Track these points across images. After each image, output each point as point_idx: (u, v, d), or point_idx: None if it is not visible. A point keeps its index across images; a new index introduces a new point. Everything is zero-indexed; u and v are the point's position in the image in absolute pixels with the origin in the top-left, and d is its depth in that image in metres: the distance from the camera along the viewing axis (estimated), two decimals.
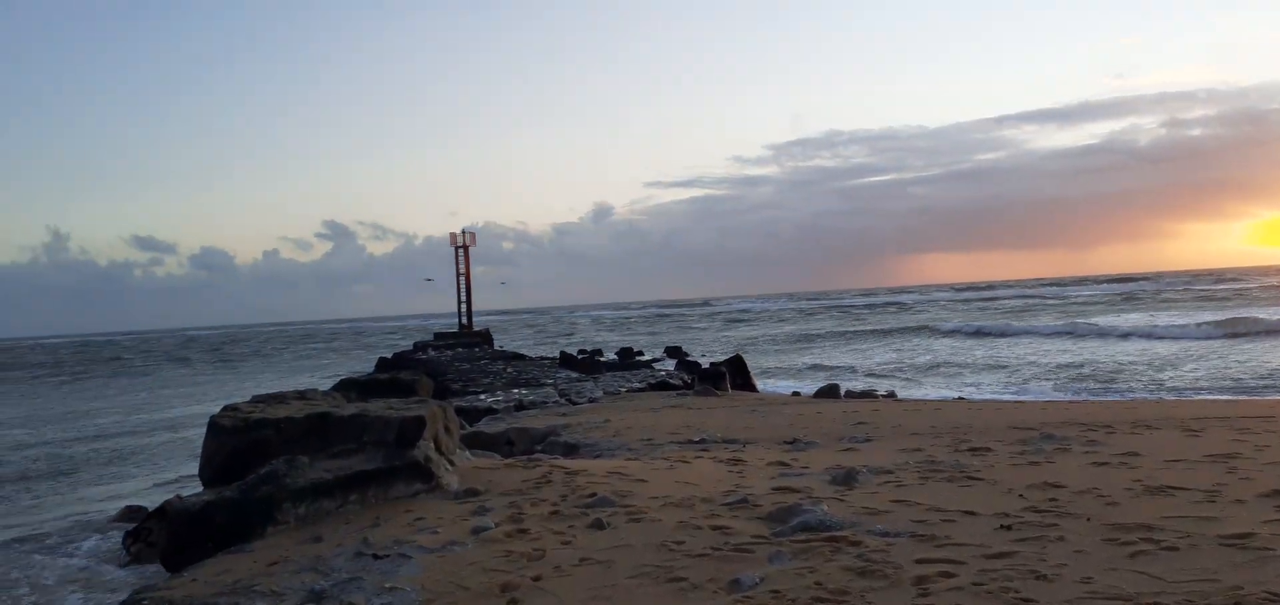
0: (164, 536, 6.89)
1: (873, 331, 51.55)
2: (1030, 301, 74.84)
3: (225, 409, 8.82)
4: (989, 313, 63.09)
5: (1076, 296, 77.18)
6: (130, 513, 11.83)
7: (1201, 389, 20.65)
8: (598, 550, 5.10)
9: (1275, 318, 34.94)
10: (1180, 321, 38.07)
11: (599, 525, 5.66)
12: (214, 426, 8.27)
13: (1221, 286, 76.34)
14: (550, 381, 21.55)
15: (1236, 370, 23.23)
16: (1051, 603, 3.70)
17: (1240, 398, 17.17)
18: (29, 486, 15.89)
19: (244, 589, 4.96)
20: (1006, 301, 78.15)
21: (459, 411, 15.99)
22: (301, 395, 10.16)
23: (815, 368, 33.51)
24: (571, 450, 11.31)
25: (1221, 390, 19.82)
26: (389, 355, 41.05)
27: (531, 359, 31.93)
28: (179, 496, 8.75)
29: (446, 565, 5.08)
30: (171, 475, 16.19)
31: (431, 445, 7.47)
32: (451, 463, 7.73)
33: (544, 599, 4.35)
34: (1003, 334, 40.57)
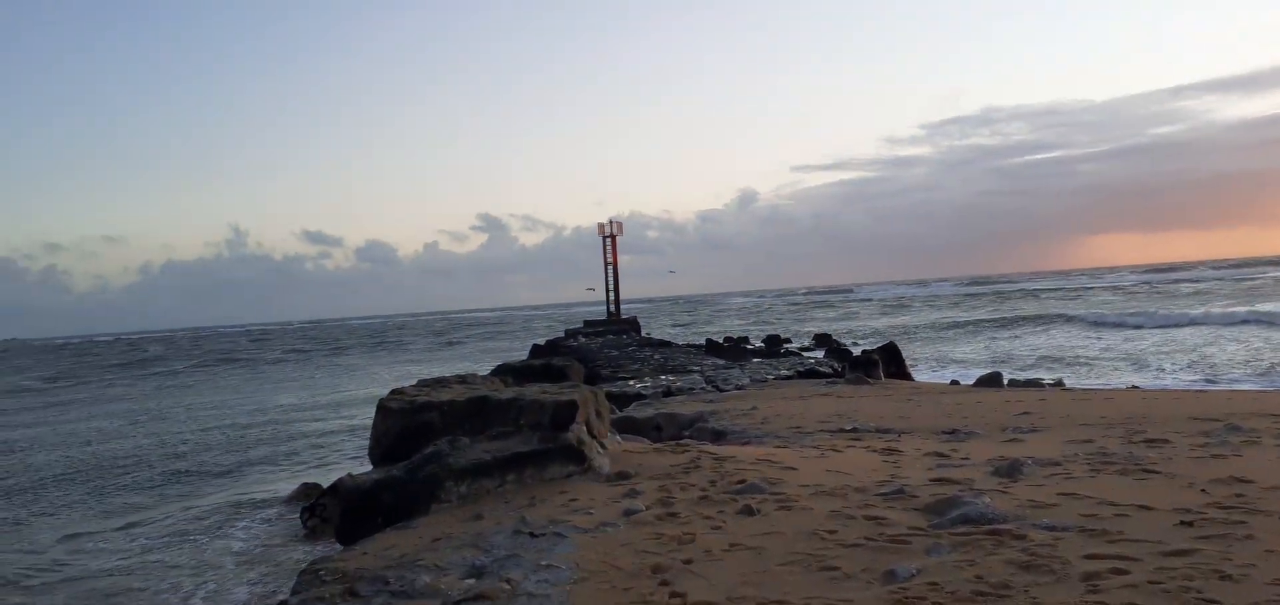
0: (337, 512, 7.34)
1: (1035, 317, 49.06)
2: (1212, 283, 69.45)
3: (392, 393, 9.29)
4: (1164, 296, 58.92)
5: (1261, 278, 71.05)
6: (306, 490, 12.66)
7: None
8: (748, 536, 5.09)
9: None
10: None
11: (749, 511, 5.64)
12: (382, 409, 8.73)
13: None
14: (697, 368, 21.62)
15: None
16: (1238, 603, 3.44)
17: None
18: (217, 465, 17.25)
19: (410, 563, 5.22)
20: (1186, 284, 72.78)
21: (608, 397, 16.29)
22: (462, 380, 10.58)
23: (975, 356, 32.24)
24: (719, 436, 11.32)
25: None
26: (541, 342, 42.22)
27: (678, 346, 32.13)
28: (350, 475, 9.29)
29: (599, 545, 5.19)
30: (343, 455, 17.23)
31: (584, 429, 7.64)
32: (603, 446, 7.89)
33: (695, 582, 4.39)
34: (1175, 324, 37.79)
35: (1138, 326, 36.91)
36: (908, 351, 26.50)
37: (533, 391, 8.39)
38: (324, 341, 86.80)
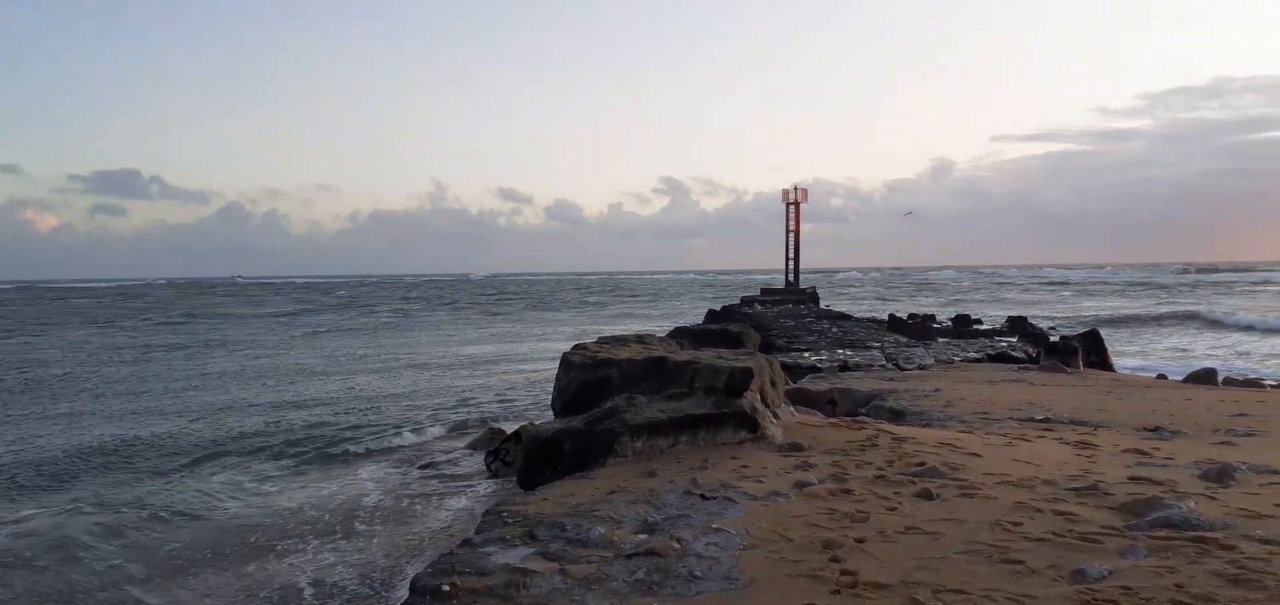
0: (520, 458, 7.70)
1: (1267, 308, 44.57)
2: None
3: (575, 347, 9.61)
4: None
5: None
6: (492, 435, 13.32)
7: None
8: (925, 520, 4.95)
9: None
10: None
11: (927, 495, 5.49)
12: (566, 362, 9.05)
13: None
14: (877, 344, 21.09)
15: None
16: None
17: None
18: (414, 404, 18.43)
19: (586, 512, 5.42)
20: None
21: (784, 368, 16.19)
22: (640, 339, 10.81)
23: (1187, 349, 29.74)
24: (897, 416, 11.02)
25: None
26: (717, 308, 42.34)
27: (858, 320, 31.39)
28: (532, 424, 9.70)
29: (769, 514, 5.20)
30: (528, 402, 18.00)
31: (758, 396, 7.64)
32: (776, 416, 7.86)
33: (867, 561, 4.32)
34: None
35: None
36: (1111, 339, 24.76)
37: (708, 355, 8.46)
38: (519, 296, 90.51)
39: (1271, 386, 16.46)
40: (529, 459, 7.22)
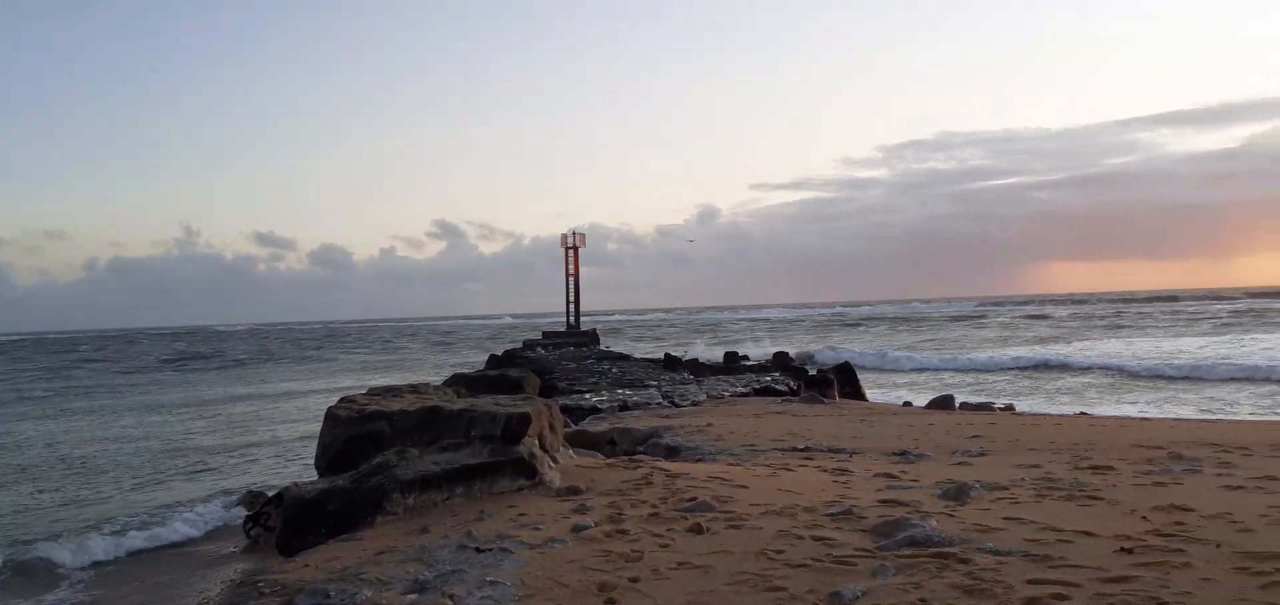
0: (280, 522, 7.20)
1: (989, 340, 49.82)
2: (1166, 312, 71.11)
3: (342, 400, 9.15)
4: (1112, 324, 60.16)
5: (1210, 311, 72.88)
6: (251, 498, 12.41)
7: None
8: (696, 555, 5.07)
9: None
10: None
11: (698, 529, 5.63)
12: (331, 417, 8.59)
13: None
14: (654, 383, 21.62)
15: None
16: None
17: None
18: (159, 471, 16.86)
19: (352, 576, 5.13)
20: (1133, 311, 74.42)
21: (564, 410, 16.20)
22: (414, 389, 10.47)
23: (927, 376, 32.62)
24: (673, 453, 11.31)
25: None
26: (499, 352, 41.97)
27: (636, 360, 32.10)
28: (295, 484, 9.11)
29: (546, 562, 5.13)
30: (289, 463, 16.94)
31: (536, 442, 7.58)
32: (555, 460, 7.83)
33: (640, 601, 4.35)
34: (1127, 356, 38.60)
35: (1095, 345, 37.70)
36: (862, 370, 26.75)
37: (486, 403, 8.31)
38: (283, 348, 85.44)
39: (1000, 409, 18.34)
40: (289, 523, 6.76)
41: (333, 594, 4.84)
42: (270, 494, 11.53)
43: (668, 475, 7.57)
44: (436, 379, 15.36)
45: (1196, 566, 4.40)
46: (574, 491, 6.99)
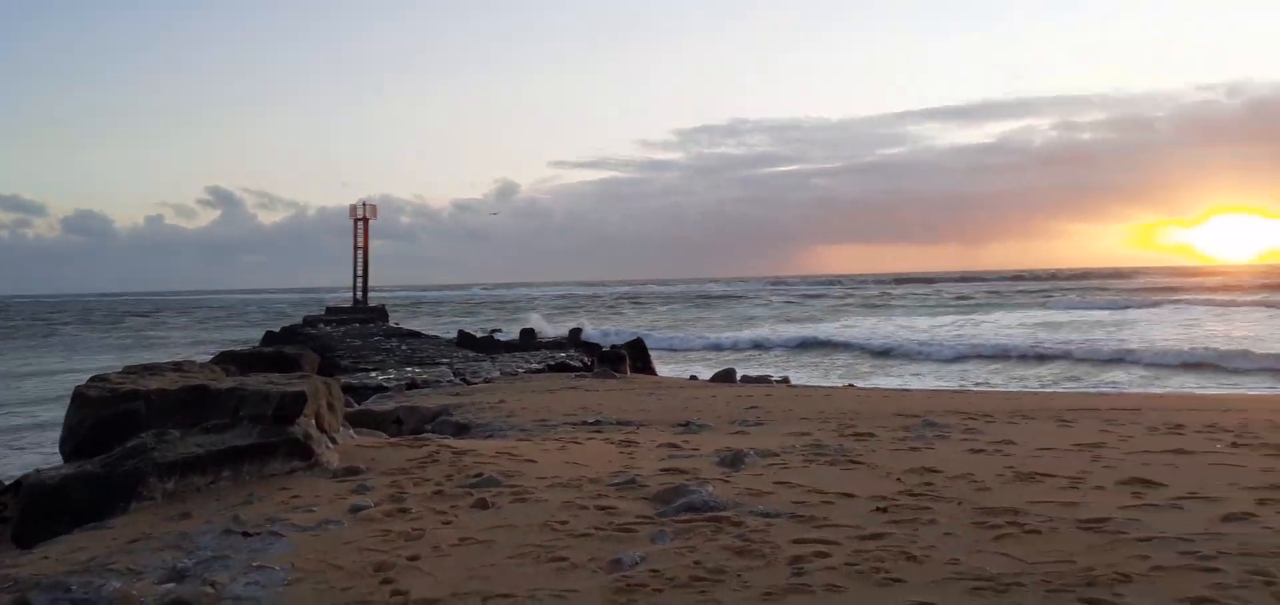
0: (16, 511, 6.48)
1: (771, 317, 52.49)
2: (929, 292, 77.50)
3: (92, 379, 8.36)
4: (882, 303, 65.01)
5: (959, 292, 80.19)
6: None
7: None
8: (479, 530, 5.01)
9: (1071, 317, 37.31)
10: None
11: (483, 505, 5.57)
12: (79, 397, 7.83)
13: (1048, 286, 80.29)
14: (445, 361, 21.22)
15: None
16: (919, 582, 3.80)
17: (1111, 391, 18.09)
18: None
19: (98, 567, 4.69)
20: (901, 291, 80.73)
21: (348, 389, 15.59)
22: (177, 367, 9.72)
23: (713, 351, 33.94)
24: (462, 430, 11.15)
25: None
26: (277, 329, 39.75)
27: (427, 337, 31.38)
28: (37, 471, 8.25)
29: (320, 544, 4.91)
30: (24, 451, 15.32)
31: (312, 422, 7.23)
32: (333, 440, 7.50)
33: (420, 579, 4.25)
34: (890, 333, 41.80)
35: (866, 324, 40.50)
36: (654, 346, 27.44)
37: (257, 381, 7.83)
38: (28, 323, 76.88)
39: (776, 382, 19.35)
40: (26, 512, 6.10)
41: (75, 587, 4.41)
42: (7, 483, 10.37)
43: (454, 452, 7.44)
44: (204, 357, 14.33)
45: (941, 522, 4.82)
46: (353, 472, 6.73)
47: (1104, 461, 6.51)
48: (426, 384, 17.04)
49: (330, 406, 7.76)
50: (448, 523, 5.23)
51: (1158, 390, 19.23)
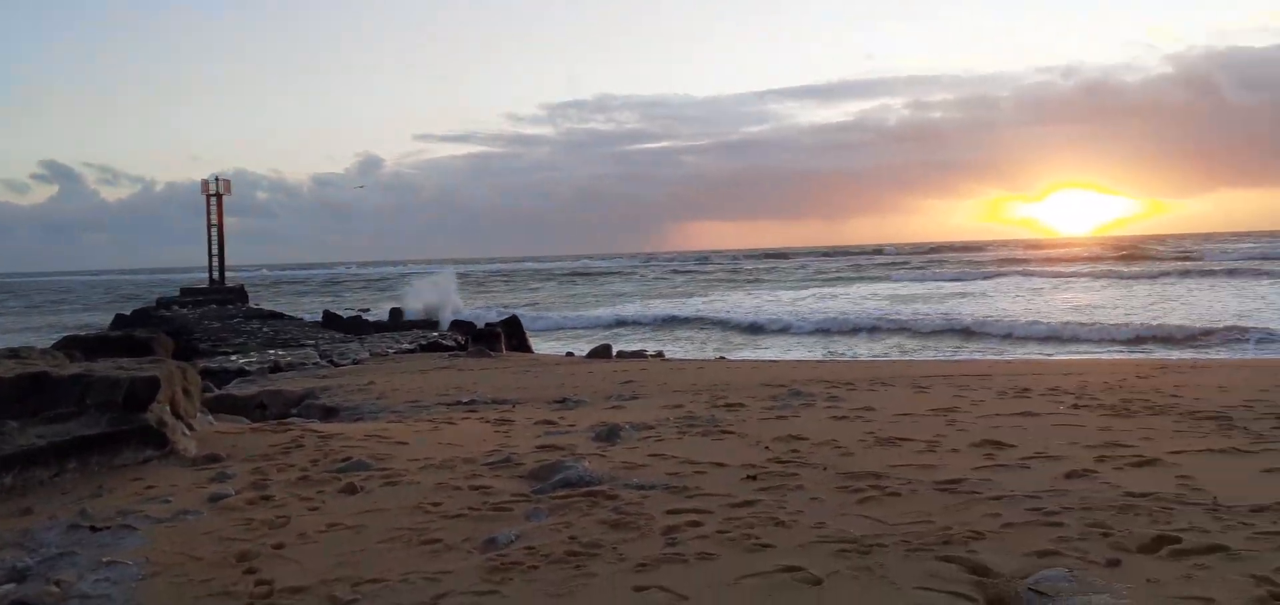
0: None
1: (645, 292, 52.99)
2: (794, 266, 79.76)
3: None
4: (752, 277, 66.59)
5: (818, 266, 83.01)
6: None
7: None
8: (348, 515, 4.88)
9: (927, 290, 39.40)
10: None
11: (351, 489, 5.42)
12: None
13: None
14: (311, 342, 20.53)
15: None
16: (787, 546, 3.93)
17: (963, 359, 19.12)
18: None
19: None
20: (767, 267, 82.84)
21: (206, 373, 14.90)
22: (14, 353, 9.03)
23: (592, 329, 34.03)
24: (330, 413, 10.84)
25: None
26: (127, 312, 37.53)
27: (290, 318, 30.28)
28: None
29: (176, 536, 4.68)
30: None
31: (167, 408, 6.87)
32: (190, 427, 7.15)
33: (285, 567, 4.11)
34: (757, 307, 42.88)
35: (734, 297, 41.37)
36: (529, 323, 27.30)
37: (105, 367, 7.37)
38: None
39: (651, 356, 19.57)
40: None
41: None
42: None
43: (321, 436, 7.21)
44: (45, 343, 13.41)
45: (807, 488, 5.00)
46: (213, 459, 6.44)
47: (958, 425, 6.88)
48: (291, 367, 16.44)
49: (187, 392, 7.39)
50: (314, 509, 5.07)
51: (1006, 357, 20.44)
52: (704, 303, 42.91)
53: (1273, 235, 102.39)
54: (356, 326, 26.59)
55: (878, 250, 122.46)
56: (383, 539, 4.44)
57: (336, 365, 16.75)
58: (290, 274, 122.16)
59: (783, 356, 22.30)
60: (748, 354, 23.66)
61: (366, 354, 18.22)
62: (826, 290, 48.54)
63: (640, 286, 64.04)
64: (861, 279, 59.14)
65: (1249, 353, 19.43)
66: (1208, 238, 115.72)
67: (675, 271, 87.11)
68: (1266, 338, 21.14)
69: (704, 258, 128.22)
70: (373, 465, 6.02)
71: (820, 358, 21.76)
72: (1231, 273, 43.44)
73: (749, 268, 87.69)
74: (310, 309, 40.35)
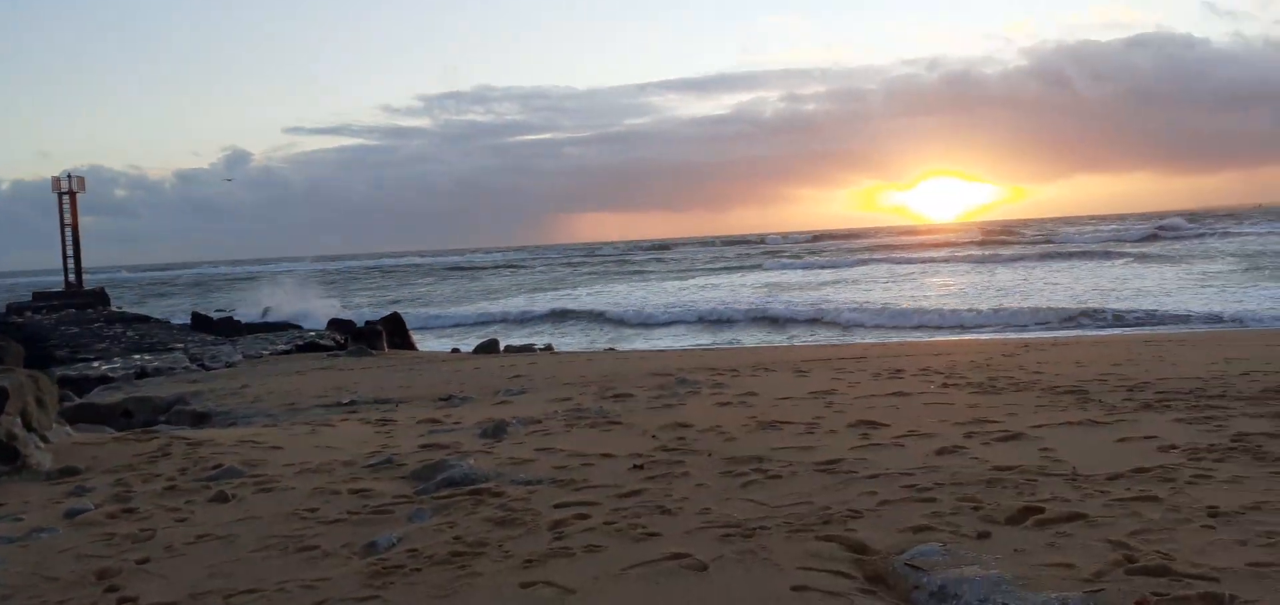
0: None
1: (531, 286, 52.61)
2: (677, 256, 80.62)
3: None
4: (636, 269, 66.99)
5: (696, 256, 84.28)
6: None
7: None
8: (219, 525, 4.66)
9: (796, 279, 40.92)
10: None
11: (223, 498, 5.18)
12: None
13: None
14: (180, 345, 19.60)
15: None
16: (673, 534, 3.95)
17: (838, 342, 19.71)
18: None
19: None
20: (653, 259, 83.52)
21: (67, 382, 14.07)
22: None
23: (475, 324, 33.56)
24: (201, 419, 10.37)
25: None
26: None
27: (157, 321, 28.82)
28: None
29: (29, 555, 4.37)
30: None
31: (17, 421, 6.43)
32: (45, 440, 6.71)
33: (151, 582, 3.89)
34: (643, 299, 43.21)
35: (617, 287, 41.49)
36: (413, 321, 26.72)
37: None
38: None
39: (540, 350, 19.45)
40: None
41: None
42: None
43: (190, 443, 6.88)
44: None
45: (692, 474, 5.05)
46: (71, 473, 6.05)
47: (836, 407, 7.09)
48: (158, 372, 15.66)
49: (40, 402, 6.93)
50: (182, 520, 4.82)
51: (880, 340, 21.17)
52: (592, 295, 42.93)
53: (1121, 217, 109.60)
54: (228, 328, 25.49)
55: (762, 239, 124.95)
56: (256, 548, 4.26)
57: (208, 369, 16.03)
58: (154, 275, 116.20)
59: (669, 345, 22.53)
60: (636, 344, 23.81)
61: (240, 356, 17.50)
62: (710, 280, 49.27)
63: (528, 280, 63.59)
64: (743, 268, 60.28)
65: (1105, 330, 20.71)
66: (1066, 221, 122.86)
67: (563, 264, 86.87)
68: (1120, 316, 22.58)
69: (591, 250, 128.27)
70: (246, 472, 5.78)
71: (706, 345, 22.08)
72: (1086, 255, 46.17)
73: (636, 259, 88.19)
74: (178, 311, 38.47)
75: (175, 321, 29.33)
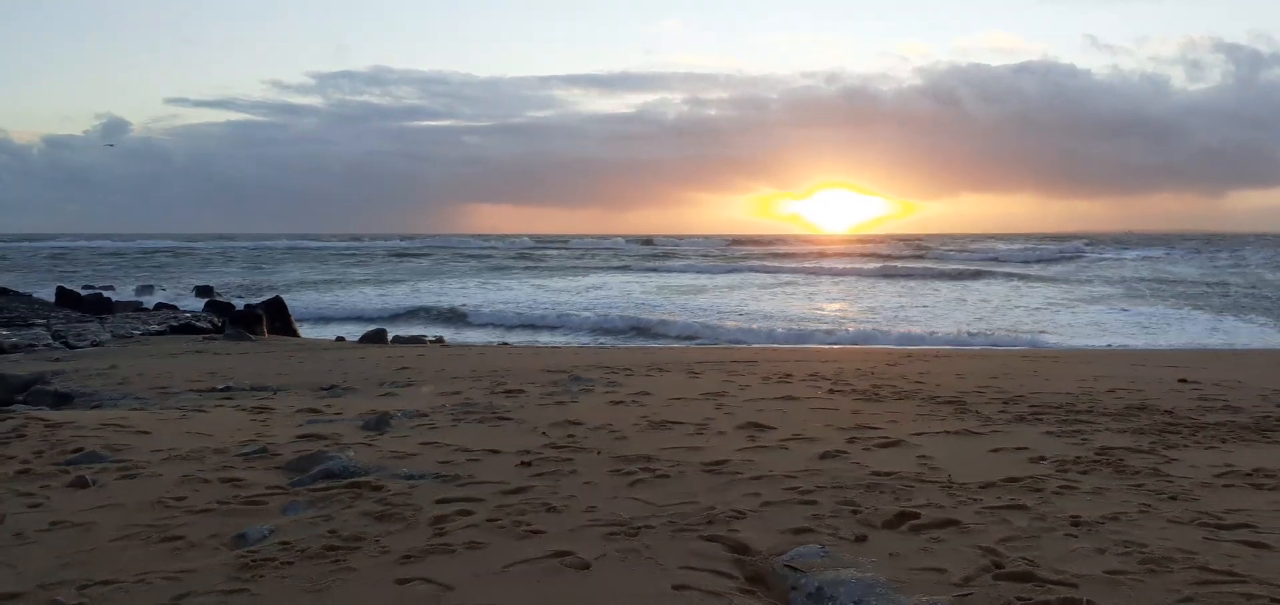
0: None
1: (426, 273, 51.59)
2: (578, 251, 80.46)
3: None
4: (533, 263, 66.54)
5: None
6: None
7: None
8: (76, 512, 4.38)
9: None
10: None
11: (81, 483, 4.88)
12: None
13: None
14: (42, 321, 18.47)
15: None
16: (558, 532, 3.91)
17: (730, 345, 19.98)
18: None
19: None
20: (552, 252, 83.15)
21: None
22: None
23: (367, 313, 32.67)
24: (63, 400, 9.78)
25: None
26: None
27: (17, 295, 27.09)
28: None
29: None
30: None
31: None
32: None
33: None
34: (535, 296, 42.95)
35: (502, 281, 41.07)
36: (296, 305, 25.82)
37: None
38: None
39: (431, 342, 19.07)
40: None
41: None
42: None
43: (48, 425, 6.46)
44: None
45: (581, 472, 5.01)
46: None
47: (726, 409, 7.17)
48: (16, 349, 14.69)
49: None
50: (36, 506, 4.52)
51: (771, 345, 21.57)
52: (485, 287, 42.38)
53: (1007, 237, 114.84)
54: (97, 305, 24.12)
55: (647, 240, 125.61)
56: (116, 537, 4.02)
57: (73, 347, 15.15)
58: (16, 246, 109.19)
59: (564, 342, 22.43)
60: (530, 338, 23.61)
61: (109, 336, 16.61)
62: (608, 278, 49.31)
63: (420, 269, 62.33)
64: (636, 268, 60.56)
65: (983, 344, 21.60)
66: (951, 238, 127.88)
67: (458, 255, 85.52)
68: (1005, 335, 23.59)
69: (487, 240, 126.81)
70: (108, 457, 5.46)
71: (602, 343, 22.05)
72: (976, 275, 48.09)
73: (536, 253, 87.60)
74: (41, 285, 36.23)
75: (38, 296, 27.61)
